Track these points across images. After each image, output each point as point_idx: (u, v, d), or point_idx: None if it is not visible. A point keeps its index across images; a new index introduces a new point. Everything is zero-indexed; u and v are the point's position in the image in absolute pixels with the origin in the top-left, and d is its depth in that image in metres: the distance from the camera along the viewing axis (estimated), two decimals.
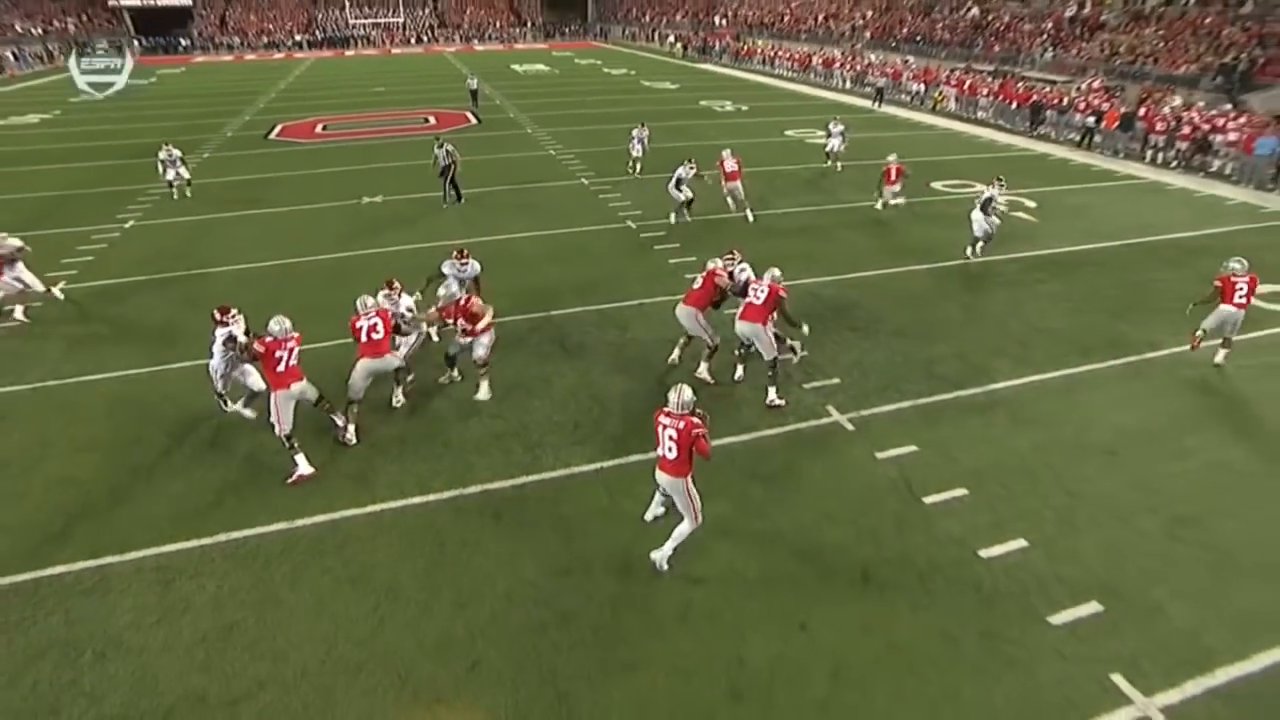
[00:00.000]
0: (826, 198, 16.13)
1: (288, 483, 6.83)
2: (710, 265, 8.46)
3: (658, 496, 6.19)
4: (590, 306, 10.55)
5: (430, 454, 7.28)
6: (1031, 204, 15.70)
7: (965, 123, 25.71)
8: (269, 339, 6.83)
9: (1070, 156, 20.08)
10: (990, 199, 12.19)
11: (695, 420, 5.39)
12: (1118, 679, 4.88)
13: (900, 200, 15.07)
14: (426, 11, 70.99)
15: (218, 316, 7.47)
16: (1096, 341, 9.58)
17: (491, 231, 13.94)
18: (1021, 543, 6.06)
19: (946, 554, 5.96)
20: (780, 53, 41.94)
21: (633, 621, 5.33)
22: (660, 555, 5.75)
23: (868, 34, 41.51)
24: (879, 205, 15.18)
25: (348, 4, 63.96)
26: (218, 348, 7.48)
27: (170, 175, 16.12)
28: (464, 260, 9.31)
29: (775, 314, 7.97)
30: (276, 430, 6.82)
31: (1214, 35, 25.46)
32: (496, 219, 14.71)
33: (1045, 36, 31.51)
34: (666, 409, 5.54)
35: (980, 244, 12.34)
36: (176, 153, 16.26)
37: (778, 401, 7.94)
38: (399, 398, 8.13)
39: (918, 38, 37.86)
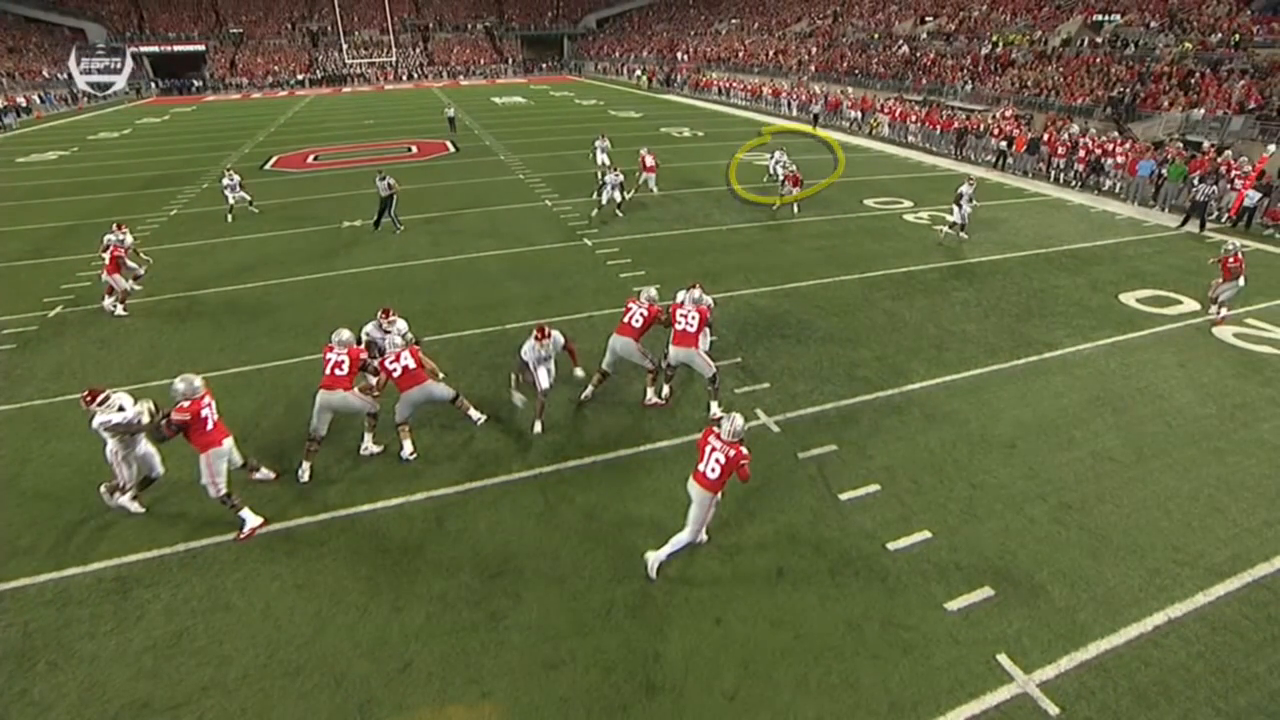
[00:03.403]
0: (768, 215, 15.99)
1: (239, 539, 5.93)
2: (644, 298, 7.76)
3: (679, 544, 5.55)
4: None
5: (381, 463, 6.99)
6: (952, 219, 15.59)
7: (897, 146, 25.83)
8: (187, 403, 5.72)
9: (987, 176, 20.16)
10: (961, 194, 13.69)
11: (744, 451, 5.20)
12: (1003, 659, 4.75)
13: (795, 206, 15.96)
14: (417, 51, 70.37)
15: (87, 401, 5.91)
16: (1002, 343, 9.53)
17: (458, 251, 13.64)
18: (926, 534, 5.93)
19: (857, 547, 5.81)
20: (735, 84, 41.97)
21: (559, 621, 5.11)
22: (654, 559, 5.45)
23: (813, 67, 41.61)
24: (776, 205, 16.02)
25: (345, 45, 63.11)
26: (108, 435, 5.96)
27: (232, 198, 16.28)
28: (390, 319, 7.71)
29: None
30: (212, 493, 5.87)
31: (1104, 72, 25.82)
32: (464, 239, 14.40)
33: (965, 71, 31.76)
34: (717, 431, 5.29)
35: (958, 228, 13.85)
36: (236, 178, 16.46)
37: (720, 415, 7.22)
38: (369, 446, 7.06)
39: (856, 71, 37.98)
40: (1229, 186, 15.87)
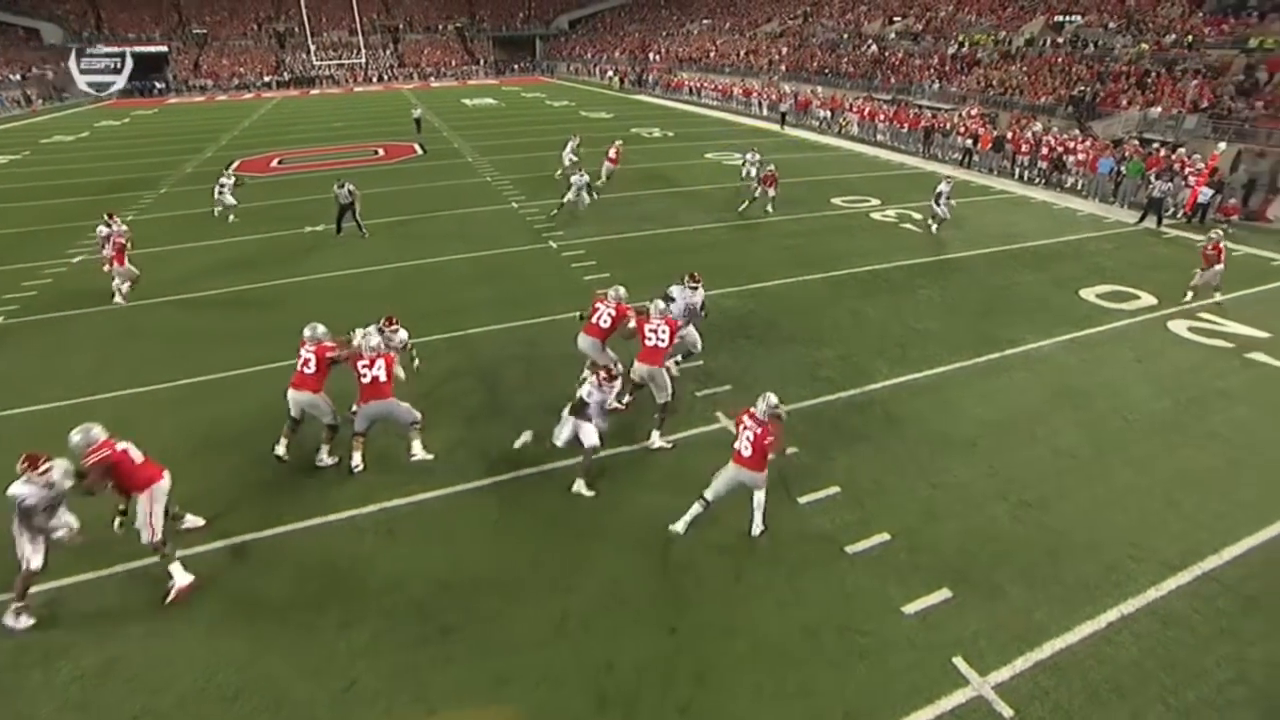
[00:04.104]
0: (735, 215, 15.95)
1: (168, 601, 5.23)
2: (613, 298, 7.66)
3: (718, 487, 5.83)
4: (505, 324, 10.11)
5: (333, 475, 6.78)
6: (918, 216, 15.79)
7: (866, 145, 25.99)
8: (101, 442, 5.13)
9: (953, 174, 20.30)
10: (940, 193, 14.33)
11: (771, 428, 5.57)
12: (959, 662, 4.71)
13: (770, 205, 15.93)
14: (387, 52, 69.45)
15: (24, 468, 4.92)
16: (965, 341, 9.56)
17: (423, 254, 13.41)
18: (885, 536, 5.88)
19: (816, 551, 5.74)
20: (706, 84, 42.05)
21: (510, 634, 4.97)
22: (757, 528, 5.82)
23: (783, 67, 41.81)
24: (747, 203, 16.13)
25: (313, 47, 62.06)
26: (32, 505, 4.96)
27: (219, 199, 16.21)
28: (393, 327, 7.52)
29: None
30: (145, 537, 5.20)
31: (1066, 72, 26.25)
32: (429, 242, 14.17)
33: (933, 71, 32.11)
34: (752, 410, 5.68)
35: (935, 223, 14.42)
36: (228, 182, 16.33)
37: (663, 445, 7.08)
38: (323, 458, 6.80)
39: (826, 70, 38.22)
40: (1184, 184, 16.17)
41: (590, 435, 6.20)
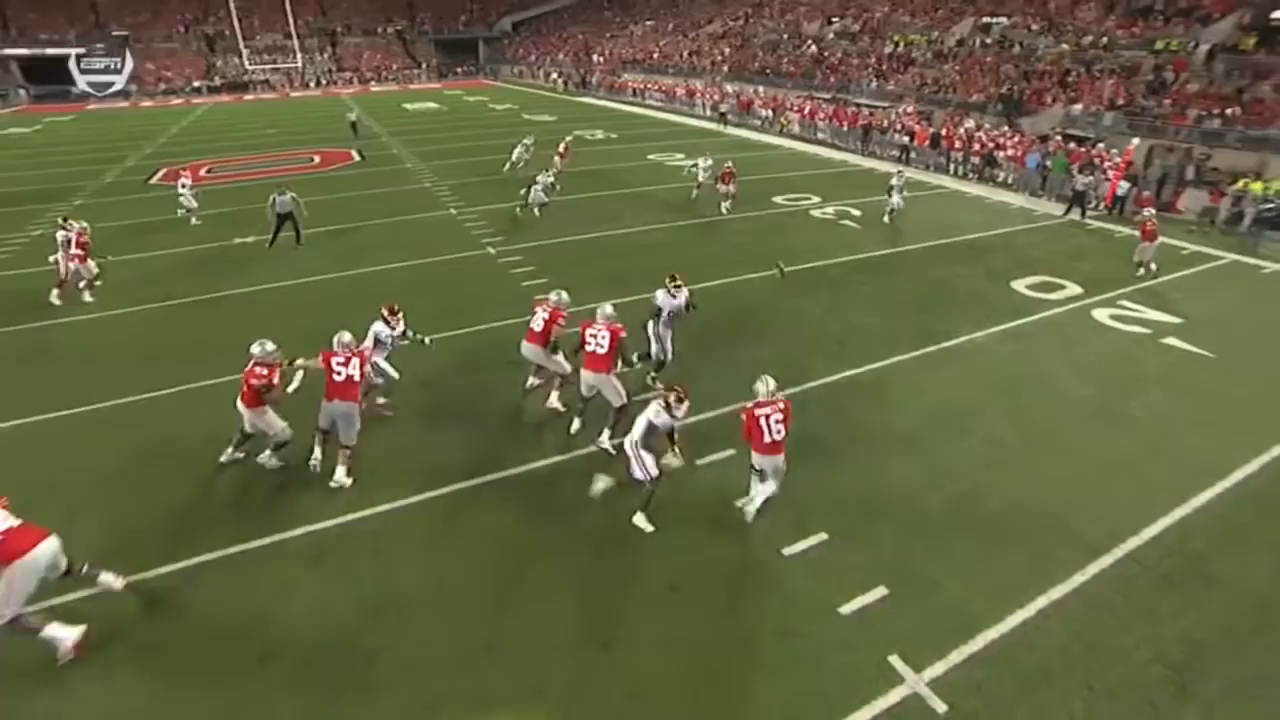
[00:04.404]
0: (679, 214, 15.96)
1: (62, 661, 4.73)
2: (552, 301, 7.55)
3: (758, 489, 5.99)
4: (443, 334, 9.79)
5: (258, 499, 6.46)
6: (857, 213, 16.08)
7: (808, 143, 26.40)
8: None
9: (890, 170, 20.76)
10: (892, 185, 15.11)
11: (788, 401, 5.66)
12: (894, 660, 4.74)
13: (728, 203, 16.07)
14: (325, 56, 67.56)
15: None
16: (903, 335, 9.71)
17: (359, 264, 12.99)
18: (822, 536, 5.90)
19: (753, 555, 5.72)
20: (650, 85, 42.15)
21: (441, 656, 4.79)
22: (751, 509, 5.94)
23: (726, 68, 42.18)
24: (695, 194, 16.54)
25: (245, 51, 59.87)
26: None
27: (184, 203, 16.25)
28: (396, 318, 7.47)
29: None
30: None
31: (995, 71, 27.17)
32: (366, 252, 13.74)
33: (870, 70, 32.82)
34: (759, 400, 5.67)
35: (889, 214, 15.05)
36: (188, 182, 16.44)
37: (607, 448, 6.89)
38: (272, 460, 6.71)
39: (768, 70, 38.70)
40: (1104, 177, 16.87)
41: (651, 465, 5.77)
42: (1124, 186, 16.44)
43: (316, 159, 24.64)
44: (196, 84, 58.89)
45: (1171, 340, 9.68)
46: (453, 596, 5.30)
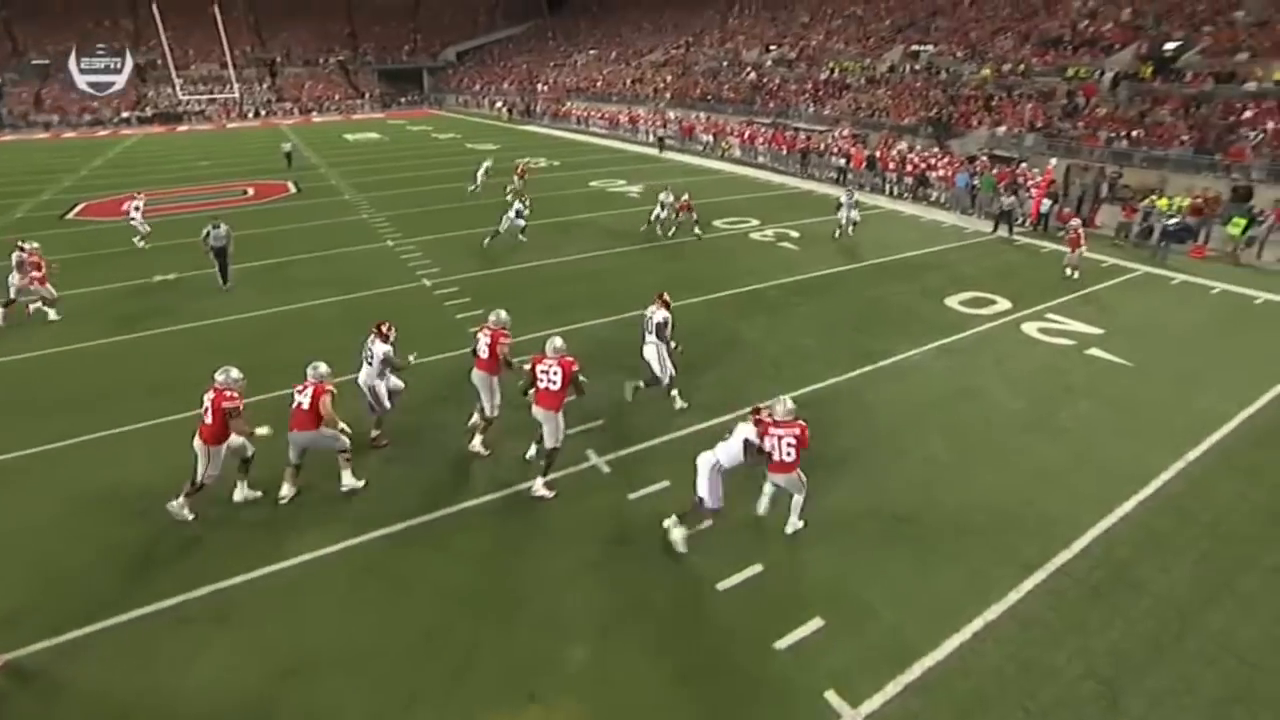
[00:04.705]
0: (619, 241, 15.95)
1: None
2: (491, 323, 7.33)
3: (768, 489, 6.20)
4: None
5: (161, 554, 5.99)
6: (795, 234, 16.34)
7: (748, 167, 26.89)
8: None
9: (829, 192, 21.28)
10: (840, 204, 15.70)
11: (804, 424, 5.71)
12: (830, 696, 4.61)
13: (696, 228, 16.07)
14: (264, 86, 66.17)
15: None
16: (840, 356, 9.78)
17: (289, 300, 12.50)
18: (758, 568, 5.77)
19: (687, 592, 5.54)
20: (593, 113, 42.53)
21: (355, 717, 4.45)
22: (793, 525, 6.10)
23: (668, 94, 42.91)
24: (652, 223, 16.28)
25: (179, 80, 58.12)
26: None
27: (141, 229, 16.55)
28: (392, 332, 7.50)
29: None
30: None
31: (924, 95, 28.36)
32: (297, 287, 13.25)
33: (808, 95, 33.82)
34: (774, 419, 5.69)
35: (848, 226, 15.63)
36: (140, 206, 16.72)
37: (545, 494, 6.68)
38: (244, 491, 6.57)
39: (709, 96, 39.53)
40: (1027, 195, 17.58)
41: (721, 496, 5.79)
42: (1046, 204, 17.15)
43: (250, 191, 23.91)
44: (125, 114, 56.80)
45: (1094, 351, 10.01)
46: (368, 654, 4.97)
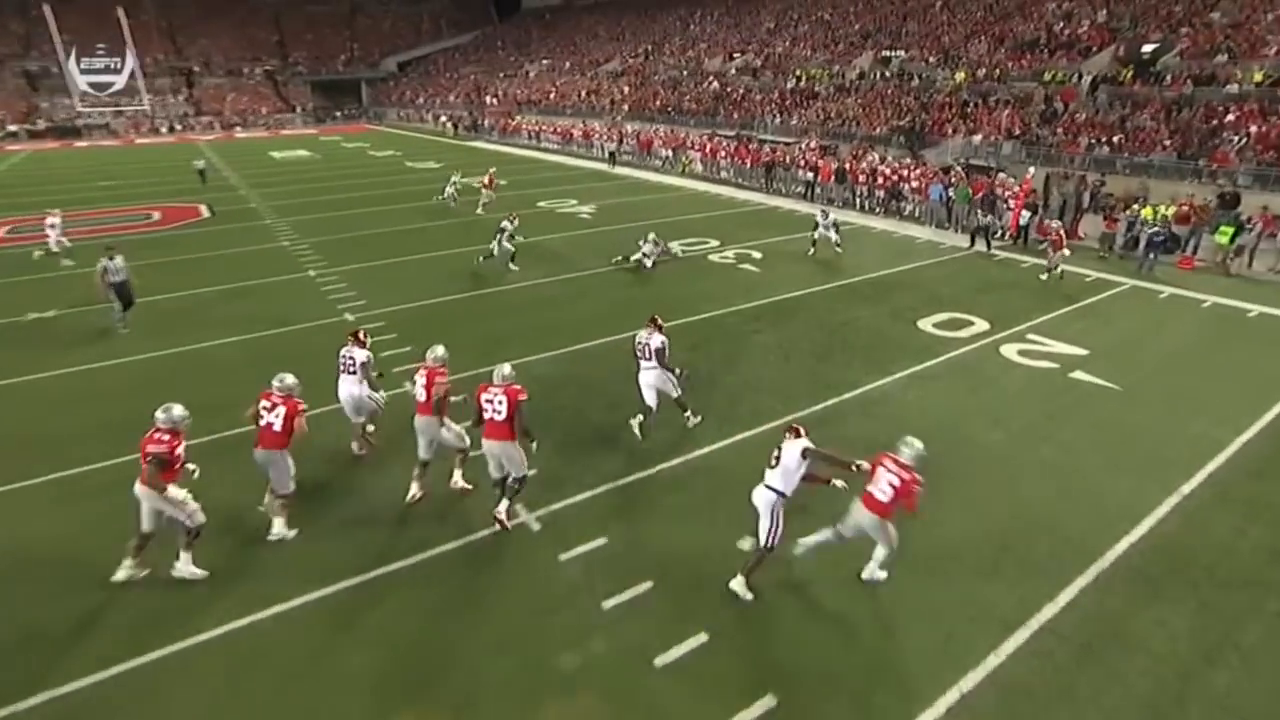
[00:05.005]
0: (565, 267, 15.80)
1: None
2: (428, 362, 7.18)
3: (826, 535, 6.01)
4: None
5: (56, 628, 5.45)
6: (758, 254, 16.40)
7: (710, 183, 27.13)
8: None
9: (795, 208, 21.57)
10: (816, 224, 16.18)
11: (918, 478, 5.55)
12: None
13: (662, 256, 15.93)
14: (180, 98, 65.23)
15: None
16: (801, 389, 9.65)
17: (186, 340, 11.95)
18: (702, 638, 5.46)
19: (622, 669, 5.20)
20: (545, 127, 42.79)
21: None
22: (871, 573, 6.00)
23: (625, 107, 43.42)
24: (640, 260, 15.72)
25: (78, 91, 56.78)
26: None
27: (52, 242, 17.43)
28: (360, 343, 8.01)
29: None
30: None
31: (896, 103, 29.15)
32: (196, 326, 12.70)
33: (774, 105, 34.49)
34: (894, 455, 5.66)
35: (813, 248, 16.12)
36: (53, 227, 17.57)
37: (504, 519, 6.66)
38: (183, 568, 6.14)
39: (669, 109, 40.09)
40: (1006, 207, 17.93)
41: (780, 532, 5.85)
42: (1025, 215, 17.49)
43: (156, 215, 23.26)
44: (12, 128, 54.98)
45: (1079, 374, 10.04)
46: None
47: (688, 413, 8.54)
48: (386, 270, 15.91)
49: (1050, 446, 8.20)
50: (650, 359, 8.19)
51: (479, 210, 22.00)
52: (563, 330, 11.82)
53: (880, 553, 5.95)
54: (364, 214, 22.33)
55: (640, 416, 8.32)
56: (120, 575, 6.04)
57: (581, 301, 13.58)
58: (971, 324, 11.96)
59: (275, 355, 11.27)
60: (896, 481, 5.56)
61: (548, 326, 12.03)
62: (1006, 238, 17.67)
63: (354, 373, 7.78)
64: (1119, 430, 8.52)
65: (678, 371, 8.36)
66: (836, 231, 16.07)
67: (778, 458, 5.85)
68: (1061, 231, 14.40)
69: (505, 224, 15.41)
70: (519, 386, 6.62)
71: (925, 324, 11.99)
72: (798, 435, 5.91)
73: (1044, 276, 13.77)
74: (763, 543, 5.80)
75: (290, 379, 6.64)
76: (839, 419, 8.88)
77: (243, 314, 13.28)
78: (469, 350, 10.49)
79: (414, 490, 7.16)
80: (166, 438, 5.84)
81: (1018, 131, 23.65)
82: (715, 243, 17.69)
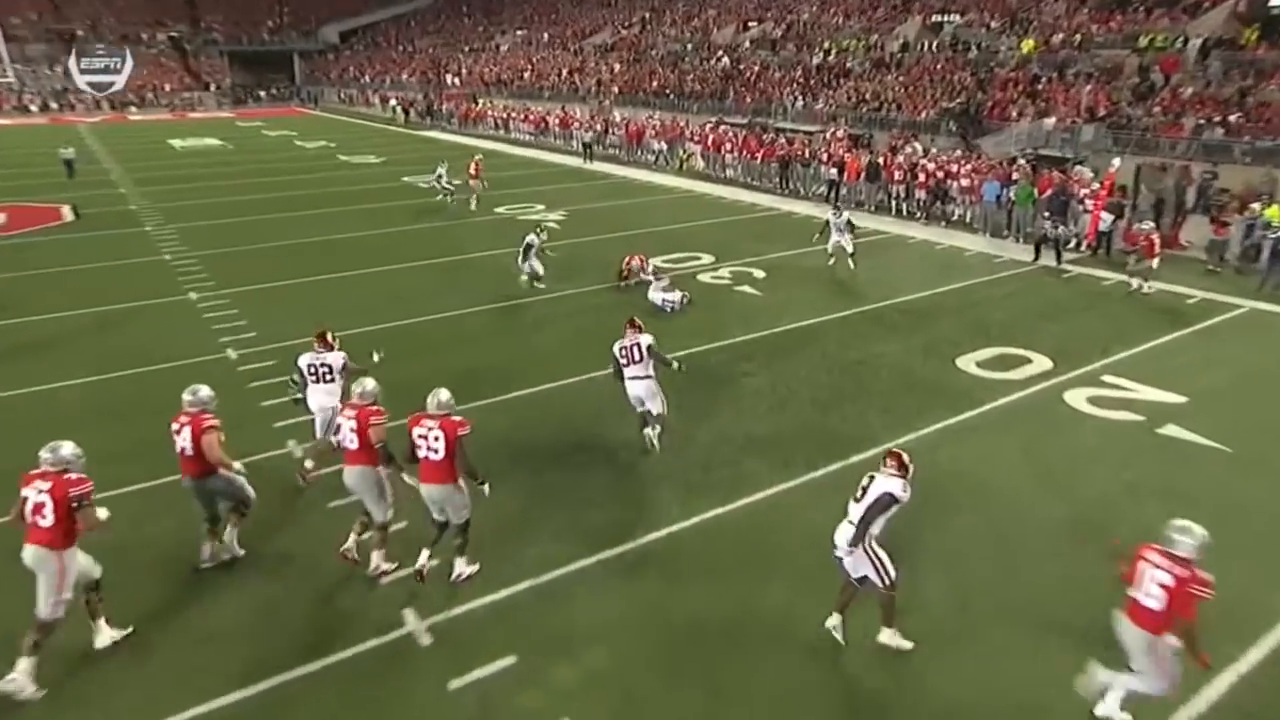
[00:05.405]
0: (506, 295, 15.49)
1: None
2: (355, 399, 7.16)
3: (1104, 679, 5.54)
4: (122, 489, 8.56)
5: None
6: (760, 273, 16.24)
7: (713, 183, 27.24)
8: None
9: (815, 213, 21.34)
10: (826, 223, 16.23)
11: (1200, 574, 5.03)
12: None
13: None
14: (57, 70, 65.20)
15: None
16: (798, 449, 9.33)
17: (21, 382, 11.63)
18: None
19: None
20: (515, 114, 43.20)
21: None
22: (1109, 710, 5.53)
23: (615, 88, 43.82)
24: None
25: None
26: None
27: None
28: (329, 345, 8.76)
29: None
30: None
31: (947, 80, 29.34)
32: (34, 363, 12.41)
33: (796, 85, 34.67)
34: (1157, 546, 5.25)
35: (833, 260, 16.20)
36: None
37: (467, 573, 7.06)
38: (103, 634, 6.28)
39: (667, 91, 40.46)
40: (1082, 209, 17.67)
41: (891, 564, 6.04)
42: (1107, 219, 17.17)
43: (2, 218, 23.13)
44: None
45: (1172, 429, 9.68)
46: None
47: (659, 429, 9.23)
48: (293, 293, 15.72)
49: (1130, 530, 7.45)
50: (640, 360, 8.95)
51: (473, 206, 23.44)
52: (500, 373, 11.57)
53: (1134, 684, 5.37)
54: (278, 220, 22.29)
55: (647, 428, 9.23)
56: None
57: (527, 335, 13.46)
58: (1028, 362, 11.68)
59: (124, 401, 11.12)
60: (1169, 581, 5.12)
61: (482, 368, 11.76)
62: (1083, 248, 17.40)
63: (331, 380, 8.47)
64: (1228, 508, 8.00)
65: (674, 364, 9.30)
66: (849, 236, 15.88)
67: (865, 489, 6.03)
68: (1154, 236, 14.29)
69: (532, 238, 15.30)
70: (459, 418, 6.75)
71: (967, 362, 11.75)
72: (901, 469, 5.99)
73: (1136, 286, 13.78)
74: (880, 583, 5.97)
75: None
76: (844, 491, 8.32)
77: (95, 348, 13.05)
78: (381, 395, 10.18)
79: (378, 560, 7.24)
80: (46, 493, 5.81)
81: (1103, 112, 23.50)
82: (709, 258, 17.58)
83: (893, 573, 5.94)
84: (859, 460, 8.96)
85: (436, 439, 6.60)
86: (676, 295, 14.38)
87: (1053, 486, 8.51)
